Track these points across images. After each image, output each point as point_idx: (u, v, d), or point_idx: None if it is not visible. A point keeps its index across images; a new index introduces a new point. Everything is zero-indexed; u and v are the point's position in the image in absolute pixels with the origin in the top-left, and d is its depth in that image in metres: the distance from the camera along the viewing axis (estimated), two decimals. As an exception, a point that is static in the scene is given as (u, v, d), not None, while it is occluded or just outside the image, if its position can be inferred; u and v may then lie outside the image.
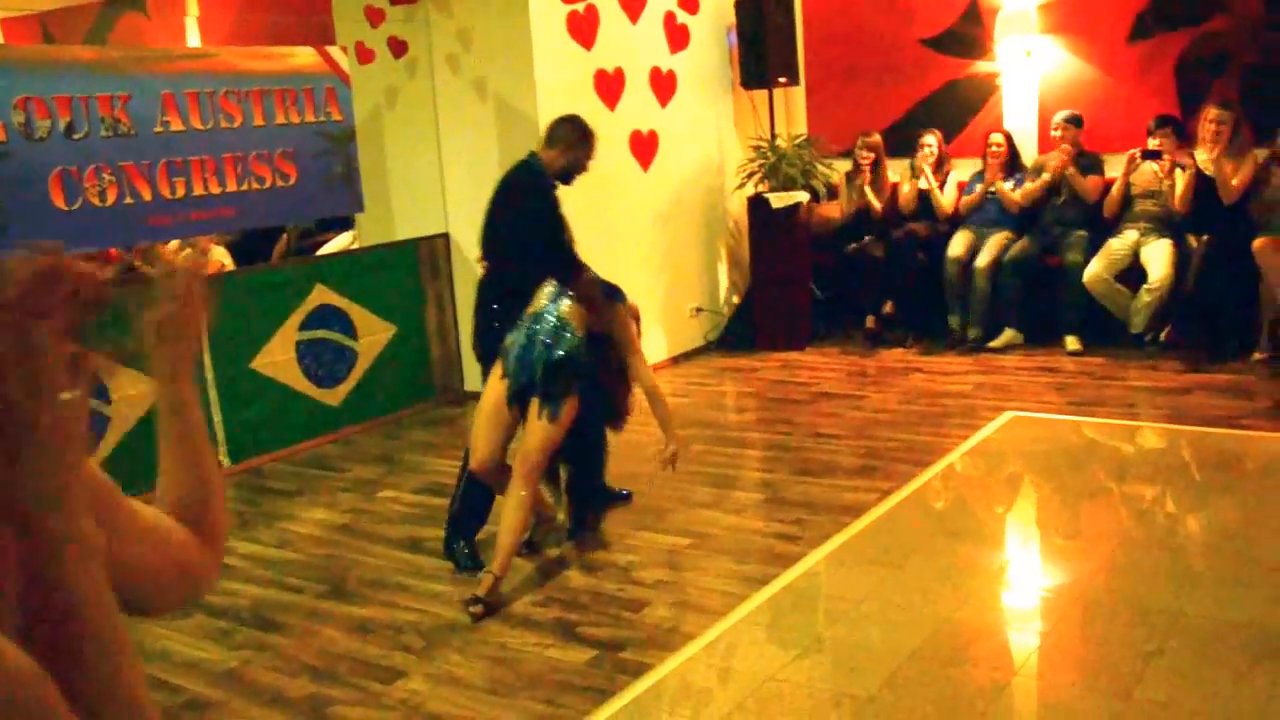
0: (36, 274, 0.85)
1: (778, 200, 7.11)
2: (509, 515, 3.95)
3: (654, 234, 7.01)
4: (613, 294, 4.22)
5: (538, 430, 3.95)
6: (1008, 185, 6.86)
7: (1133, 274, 6.33)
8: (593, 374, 4.08)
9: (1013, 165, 6.94)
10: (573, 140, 4.38)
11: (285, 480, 5.54)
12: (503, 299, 4.27)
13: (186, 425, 1.32)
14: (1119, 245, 6.39)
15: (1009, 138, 6.95)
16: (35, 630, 0.87)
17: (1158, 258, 6.21)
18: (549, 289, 4.08)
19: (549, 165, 4.36)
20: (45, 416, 0.85)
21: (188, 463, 1.31)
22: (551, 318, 4.00)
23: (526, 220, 4.33)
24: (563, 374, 3.93)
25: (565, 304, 4.04)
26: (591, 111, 6.42)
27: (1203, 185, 6.20)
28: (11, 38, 11.97)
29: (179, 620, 3.87)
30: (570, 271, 4.18)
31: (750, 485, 4.94)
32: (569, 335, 3.96)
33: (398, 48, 6.52)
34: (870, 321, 7.15)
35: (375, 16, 6.49)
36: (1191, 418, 5.27)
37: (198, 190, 5.42)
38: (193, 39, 10.54)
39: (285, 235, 8.23)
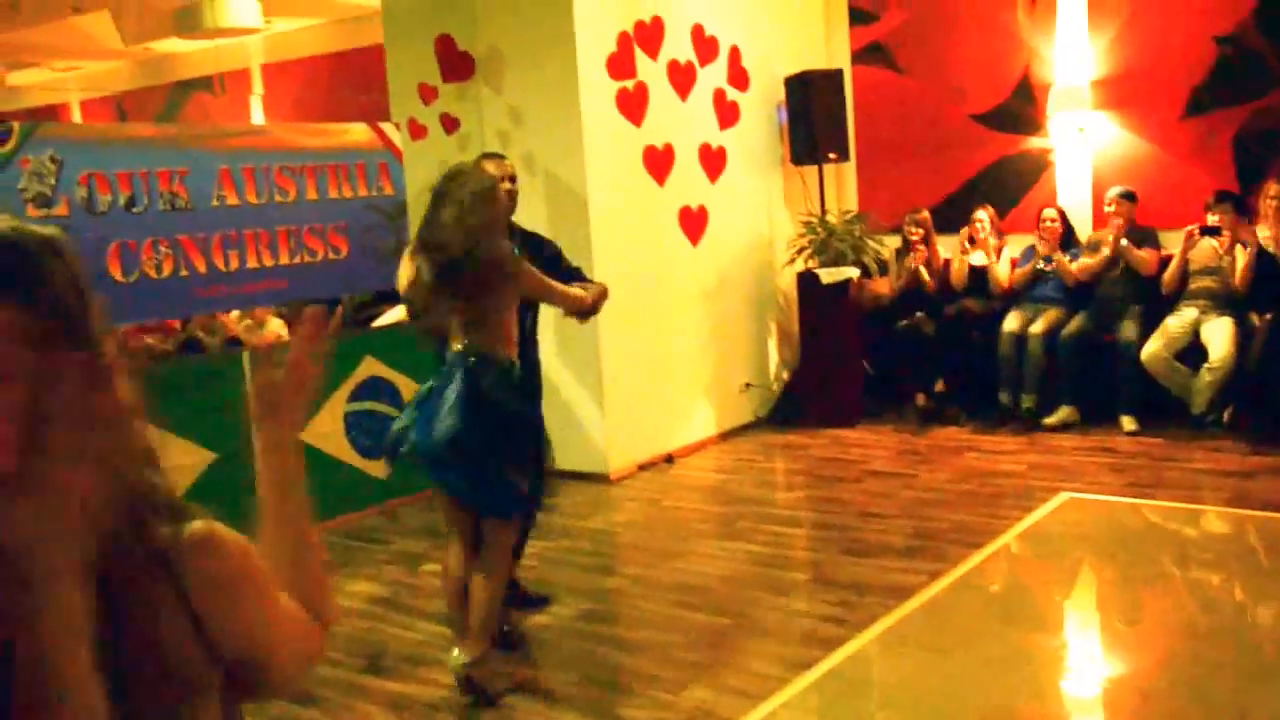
0: None
1: (828, 276, 7.07)
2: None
3: (703, 309, 6.99)
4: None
5: None
6: (1065, 258, 6.76)
7: (1192, 352, 6.19)
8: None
9: (1068, 241, 6.86)
10: None
11: (329, 552, 5.50)
12: None
13: (292, 499, 1.30)
14: (1177, 323, 6.25)
15: (1063, 214, 6.88)
16: None
17: (1219, 336, 6.07)
18: None
19: None
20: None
21: (295, 541, 1.29)
22: None
23: None
24: None
25: None
26: (641, 187, 6.50)
27: (1265, 262, 6.06)
28: (89, 118, 12.41)
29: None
30: None
31: (796, 565, 4.83)
32: None
33: (450, 124, 6.63)
34: (922, 399, 7.05)
35: (429, 94, 6.63)
36: (1256, 502, 5.09)
37: (251, 263, 5.51)
38: (257, 115, 10.89)
39: (341, 307, 8.34)
